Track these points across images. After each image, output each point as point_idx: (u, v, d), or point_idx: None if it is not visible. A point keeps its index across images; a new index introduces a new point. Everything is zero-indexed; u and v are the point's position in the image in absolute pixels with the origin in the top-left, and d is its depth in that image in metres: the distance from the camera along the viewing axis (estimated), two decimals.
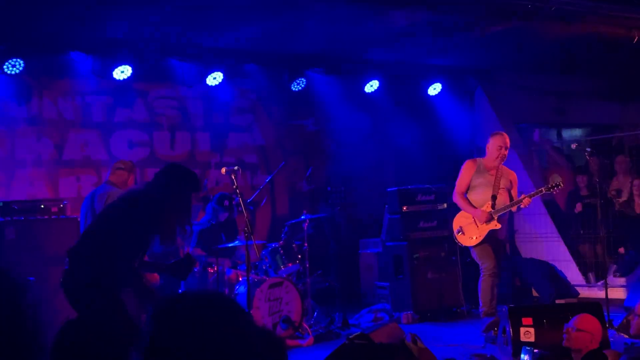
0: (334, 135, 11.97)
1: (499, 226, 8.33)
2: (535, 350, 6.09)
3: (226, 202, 9.31)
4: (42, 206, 8.27)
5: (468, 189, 8.49)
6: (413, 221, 10.23)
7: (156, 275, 6.69)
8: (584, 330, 5.49)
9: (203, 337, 2.00)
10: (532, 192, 8.37)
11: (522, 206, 8.26)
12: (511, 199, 8.40)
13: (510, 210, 8.46)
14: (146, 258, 6.67)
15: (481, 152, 9.67)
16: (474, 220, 8.38)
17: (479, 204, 8.38)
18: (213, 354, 1.99)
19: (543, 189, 8.29)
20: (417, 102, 12.04)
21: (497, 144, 8.41)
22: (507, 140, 8.47)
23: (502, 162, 8.46)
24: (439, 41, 10.47)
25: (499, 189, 8.36)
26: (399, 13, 9.14)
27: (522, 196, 8.23)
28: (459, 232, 8.50)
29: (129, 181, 6.97)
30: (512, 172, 8.67)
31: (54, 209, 8.27)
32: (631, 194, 11.36)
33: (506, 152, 8.44)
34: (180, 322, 2.02)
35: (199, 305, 2.07)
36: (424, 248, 10.11)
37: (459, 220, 8.53)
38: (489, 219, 8.27)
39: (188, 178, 5.37)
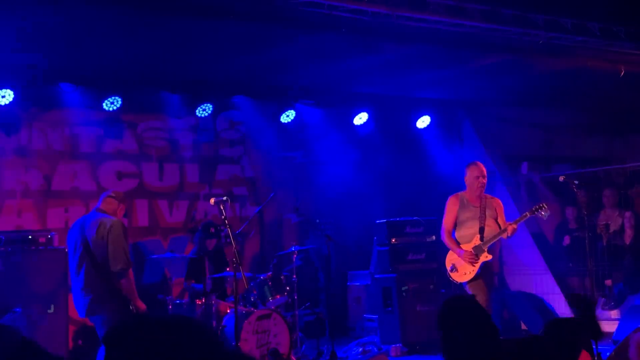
0: (323, 167, 11.98)
1: (490, 257, 8.19)
2: None
3: (212, 229, 9.31)
4: (30, 237, 8.24)
5: (456, 225, 8.42)
6: (402, 253, 10.22)
7: (143, 305, 6.67)
8: None
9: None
10: (517, 219, 8.23)
11: (508, 234, 8.17)
12: (499, 227, 8.33)
13: (501, 238, 8.38)
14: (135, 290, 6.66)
15: None
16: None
17: (469, 238, 8.24)
18: None
19: (527, 213, 8.21)
20: (406, 134, 12.09)
21: (474, 175, 8.33)
22: (483, 169, 8.38)
23: (483, 191, 8.40)
24: (427, 74, 10.55)
25: (486, 219, 8.29)
26: (388, 46, 9.21)
27: (507, 224, 8.15)
28: (452, 269, 8.28)
29: (118, 211, 6.91)
30: (495, 198, 8.55)
31: (42, 240, 8.24)
32: (622, 225, 11.38)
33: (484, 180, 8.35)
34: (135, 347, 1.96)
35: (156, 330, 2.01)
36: (413, 280, 10.08)
37: (450, 258, 8.31)
38: (476, 257, 8.16)
39: None
